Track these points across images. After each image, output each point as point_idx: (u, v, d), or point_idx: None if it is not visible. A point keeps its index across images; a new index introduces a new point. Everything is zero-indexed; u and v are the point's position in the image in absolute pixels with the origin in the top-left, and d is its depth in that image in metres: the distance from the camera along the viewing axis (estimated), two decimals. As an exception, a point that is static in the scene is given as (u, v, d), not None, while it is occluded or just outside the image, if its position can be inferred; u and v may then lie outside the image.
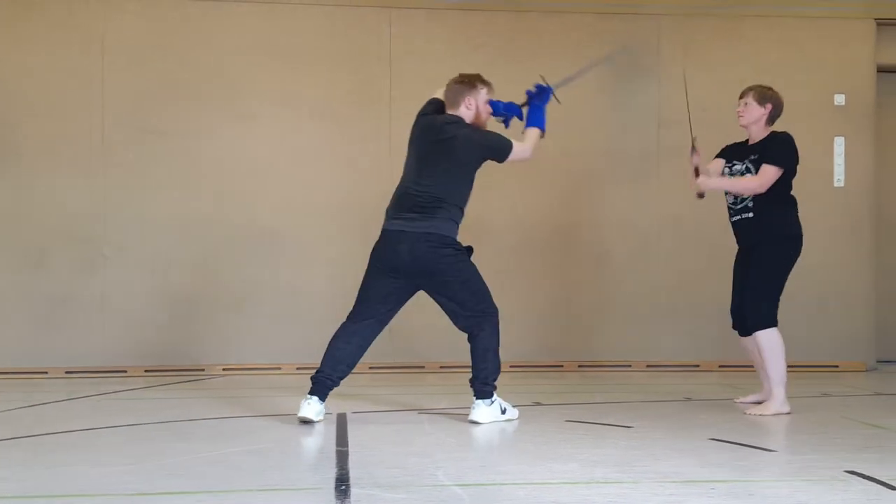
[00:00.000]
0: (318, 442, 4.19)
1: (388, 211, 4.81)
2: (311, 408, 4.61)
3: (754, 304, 5.09)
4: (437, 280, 4.71)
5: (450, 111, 4.87)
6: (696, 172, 5.25)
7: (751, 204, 5.14)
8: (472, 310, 4.75)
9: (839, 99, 7.60)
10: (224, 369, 7.11)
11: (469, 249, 4.79)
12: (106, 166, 7.15)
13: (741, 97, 5.30)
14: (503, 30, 7.52)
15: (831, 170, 7.60)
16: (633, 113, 7.56)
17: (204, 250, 7.24)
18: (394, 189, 4.87)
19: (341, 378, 4.72)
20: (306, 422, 4.58)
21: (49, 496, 3.05)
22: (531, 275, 7.45)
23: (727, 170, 5.31)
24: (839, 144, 7.61)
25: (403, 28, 7.42)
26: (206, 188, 7.24)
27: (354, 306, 4.80)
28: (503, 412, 4.77)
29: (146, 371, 7.06)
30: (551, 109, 5.22)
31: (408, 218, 4.68)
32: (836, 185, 7.62)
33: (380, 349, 7.66)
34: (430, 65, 7.38)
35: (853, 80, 7.64)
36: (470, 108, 4.85)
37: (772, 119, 5.27)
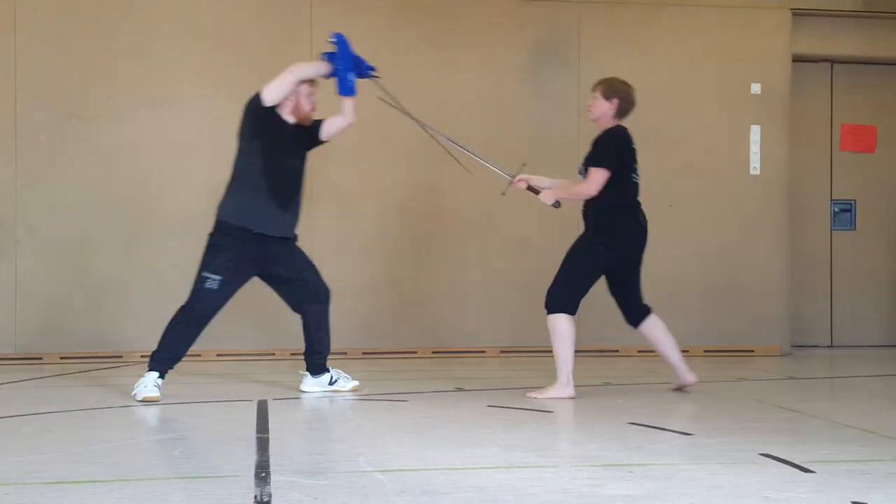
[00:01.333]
0: (238, 429, 4.13)
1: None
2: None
3: (554, 287, 5.12)
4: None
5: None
6: (536, 191, 5.30)
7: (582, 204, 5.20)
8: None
9: (755, 88, 7.76)
10: (142, 356, 6.94)
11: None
12: (19, 149, 6.93)
13: (592, 91, 5.29)
14: (424, 15, 7.49)
15: (748, 157, 7.77)
16: (553, 101, 7.61)
17: (120, 234, 7.08)
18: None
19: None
20: None
21: (-45, 489, 2.96)
22: (452, 259, 7.45)
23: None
24: (755, 132, 7.78)
25: (325, 12, 7.33)
26: (122, 171, 7.07)
27: None
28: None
29: (62, 358, 6.88)
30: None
31: None
32: (752, 172, 7.79)
33: (299, 335, 7.62)
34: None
35: (769, 70, 7.81)
36: (290, 101, 5.01)
37: (620, 113, 5.24)
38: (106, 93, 7.04)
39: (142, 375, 4.84)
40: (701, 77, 7.76)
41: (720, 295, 7.70)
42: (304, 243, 7.26)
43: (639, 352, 7.50)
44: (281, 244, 5.02)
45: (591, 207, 5.16)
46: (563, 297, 5.09)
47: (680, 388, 5.39)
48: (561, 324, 5.05)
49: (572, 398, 4.99)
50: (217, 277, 4.82)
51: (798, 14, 7.92)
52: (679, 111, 7.67)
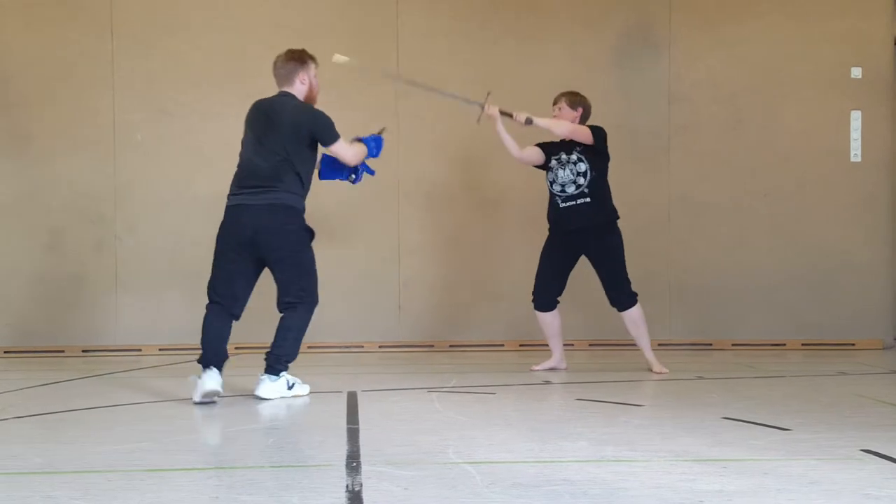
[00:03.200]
0: (328, 419, 4.19)
1: (230, 190, 4.84)
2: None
3: (622, 285, 5.77)
4: (273, 252, 4.70)
5: (283, 88, 4.90)
6: (509, 114, 5.64)
7: (587, 190, 5.68)
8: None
9: (856, 72, 7.50)
10: (236, 348, 7.10)
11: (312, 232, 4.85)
12: (117, 147, 7.16)
13: (555, 103, 5.85)
14: (510, 6, 7.45)
15: (847, 145, 7.52)
16: (643, 90, 7.49)
17: (214, 229, 7.17)
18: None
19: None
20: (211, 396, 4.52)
21: (62, 472, 3.07)
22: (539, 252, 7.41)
23: (555, 161, 5.78)
24: (856, 119, 7.52)
25: (410, 5, 7.37)
26: (214, 168, 7.21)
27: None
28: (290, 388, 4.74)
29: (160, 349, 7.10)
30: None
31: (250, 192, 4.72)
32: (852, 160, 7.54)
33: (389, 328, 7.68)
34: (436, 42, 7.36)
35: (870, 53, 7.53)
36: (304, 84, 4.88)
37: (583, 121, 5.83)
38: (199, 91, 7.22)
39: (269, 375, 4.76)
40: (798, 63, 7.53)
41: (819, 286, 7.48)
42: (389, 239, 7.37)
43: (733, 345, 7.35)
44: None
45: (600, 197, 5.72)
46: (630, 288, 5.77)
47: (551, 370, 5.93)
48: (639, 311, 5.80)
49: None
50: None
51: (900, -5, 7.63)
52: (775, 98, 7.47)
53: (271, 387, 4.68)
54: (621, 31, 7.50)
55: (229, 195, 4.81)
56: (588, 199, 5.68)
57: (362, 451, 3.36)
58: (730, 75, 7.44)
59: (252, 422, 4.24)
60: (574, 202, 5.71)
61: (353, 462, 3.17)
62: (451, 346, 7.31)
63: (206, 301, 4.78)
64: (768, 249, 7.45)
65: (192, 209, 7.23)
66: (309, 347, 7.07)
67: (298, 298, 4.72)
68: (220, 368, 4.61)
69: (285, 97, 4.85)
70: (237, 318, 4.78)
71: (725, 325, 7.41)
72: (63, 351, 7.08)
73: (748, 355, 6.84)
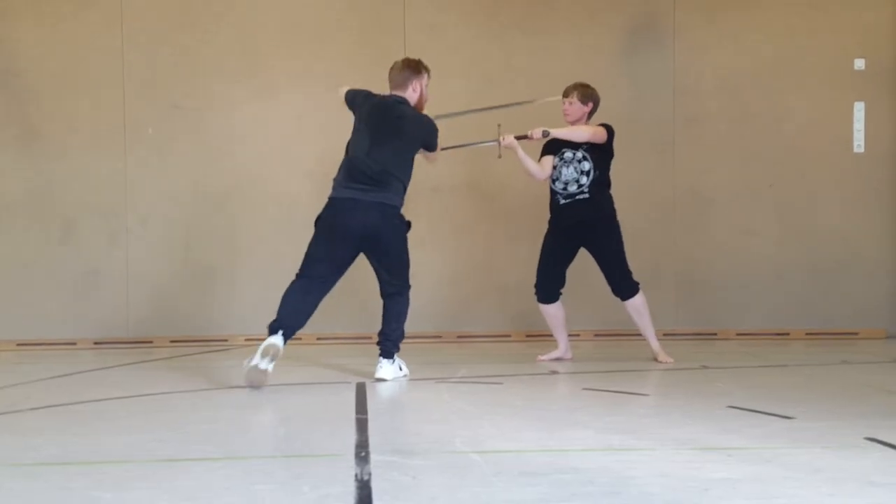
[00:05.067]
0: (338, 410, 4.24)
1: (337, 181, 5.08)
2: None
3: (624, 273, 5.83)
4: (381, 247, 5.04)
5: (396, 92, 5.19)
6: (525, 136, 5.78)
7: (587, 189, 5.76)
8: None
9: (859, 63, 7.51)
10: (247, 339, 7.19)
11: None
12: (128, 141, 7.21)
13: (566, 95, 5.85)
14: (518, 0, 7.47)
15: (851, 136, 7.54)
16: (648, 81, 7.51)
17: (225, 222, 7.31)
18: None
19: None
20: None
21: (77, 463, 3.13)
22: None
23: (559, 159, 5.83)
24: (859, 110, 7.54)
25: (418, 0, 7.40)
26: (225, 161, 7.30)
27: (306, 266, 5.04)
28: (401, 370, 5.17)
29: (171, 342, 7.16)
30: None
31: (361, 189, 4.97)
32: (856, 150, 7.56)
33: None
34: (445, 36, 7.39)
35: (874, 44, 7.54)
36: (416, 92, 5.18)
37: (592, 114, 5.89)
38: (210, 85, 7.27)
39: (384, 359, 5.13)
40: (802, 54, 7.55)
41: (822, 276, 7.51)
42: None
43: (737, 335, 7.39)
44: None
45: (599, 194, 5.79)
46: (632, 278, 5.84)
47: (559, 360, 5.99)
48: (642, 299, 5.86)
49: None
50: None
51: (905, -15, 7.63)
52: (779, 89, 7.48)
53: (389, 369, 5.08)
54: (627, 24, 7.52)
55: (337, 186, 5.06)
56: (587, 196, 5.77)
57: (371, 441, 3.41)
58: (734, 67, 7.45)
59: (264, 412, 4.29)
60: (573, 199, 5.80)
61: (362, 452, 3.22)
62: (458, 336, 7.36)
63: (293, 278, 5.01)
64: (772, 240, 7.48)
65: (203, 203, 7.28)
66: (318, 339, 7.15)
67: (401, 287, 5.11)
68: (287, 336, 4.85)
69: (402, 103, 5.16)
70: (320, 298, 5.02)
71: (730, 315, 7.44)
72: (75, 343, 7.15)
73: (752, 345, 6.88)
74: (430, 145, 5.25)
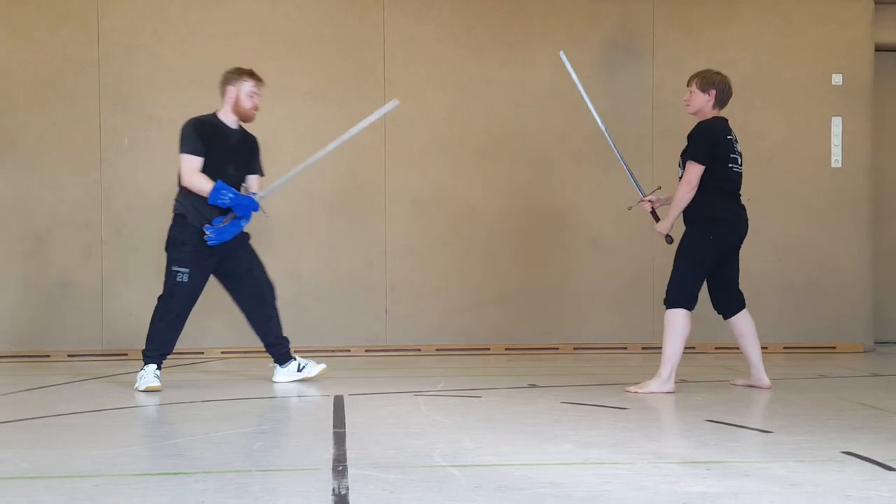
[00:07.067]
0: (315, 423, 4.21)
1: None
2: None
3: (670, 283, 5.18)
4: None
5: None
6: (655, 216, 5.51)
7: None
8: None
9: (836, 79, 7.59)
10: (223, 352, 7.14)
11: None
12: (104, 153, 7.16)
13: (688, 85, 5.31)
14: (495, 12, 7.50)
15: (829, 150, 7.60)
16: (627, 96, 7.55)
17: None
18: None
19: None
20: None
21: (48, 477, 3.08)
22: (526, 258, 7.47)
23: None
24: (836, 125, 7.60)
25: (397, 12, 7.40)
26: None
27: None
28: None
29: (145, 355, 7.08)
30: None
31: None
32: (833, 165, 7.62)
33: (375, 333, 7.71)
34: (424, 49, 7.39)
35: (851, 60, 7.63)
36: (231, 98, 5.48)
37: (719, 103, 5.27)
38: (186, 97, 7.22)
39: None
40: (780, 69, 7.62)
41: (800, 290, 7.56)
42: (376, 243, 7.39)
43: (716, 348, 7.41)
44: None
45: (686, 213, 5.23)
46: (680, 290, 5.12)
47: (749, 387, 5.35)
48: (677, 319, 5.09)
49: (671, 393, 5.04)
50: (185, 270, 5.33)
51: (881, 2, 7.72)
52: (757, 104, 7.54)
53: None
54: (606, 38, 7.56)
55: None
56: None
57: (349, 455, 3.39)
58: (713, 81, 7.50)
59: (239, 426, 4.25)
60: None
61: (339, 466, 3.19)
62: (437, 349, 7.34)
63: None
64: (750, 254, 7.45)
65: (178, 214, 7.22)
66: (295, 351, 7.08)
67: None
68: None
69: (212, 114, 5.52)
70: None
71: (708, 329, 7.44)
72: (49, 356, 7.07)
73: (731, 359, 6.89)
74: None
